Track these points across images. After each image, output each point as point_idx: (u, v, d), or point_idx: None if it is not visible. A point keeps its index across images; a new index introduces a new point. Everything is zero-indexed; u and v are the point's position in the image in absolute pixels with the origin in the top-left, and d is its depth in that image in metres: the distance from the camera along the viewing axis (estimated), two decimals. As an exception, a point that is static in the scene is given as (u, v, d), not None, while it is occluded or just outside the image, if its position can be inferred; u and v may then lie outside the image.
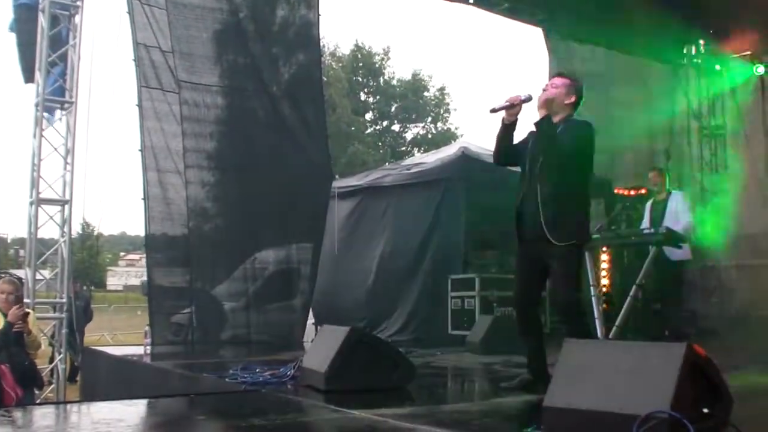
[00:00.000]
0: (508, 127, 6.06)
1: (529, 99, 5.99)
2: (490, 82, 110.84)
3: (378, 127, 49.99)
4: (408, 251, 13.03)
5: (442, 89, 50.65)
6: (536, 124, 5.93)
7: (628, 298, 9.11)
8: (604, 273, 11.33)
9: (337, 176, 16.72)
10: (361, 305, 13.69)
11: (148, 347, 9.68)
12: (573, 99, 6.02)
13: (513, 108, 5.98)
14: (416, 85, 49.54)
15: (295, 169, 11.17)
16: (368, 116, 49.58)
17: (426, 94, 50.05)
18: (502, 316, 11.05)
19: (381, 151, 46.75)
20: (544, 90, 6.05)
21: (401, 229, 13.36)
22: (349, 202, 14.57)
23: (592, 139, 5.84)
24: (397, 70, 55.67)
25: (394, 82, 49.78)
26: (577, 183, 5.78)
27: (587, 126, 5.90)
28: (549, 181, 5.74)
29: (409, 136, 50.46)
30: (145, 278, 11.26)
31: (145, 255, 11.08)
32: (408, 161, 17.48)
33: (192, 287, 10.39)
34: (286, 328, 11.10)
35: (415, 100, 49.07)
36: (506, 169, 12.78)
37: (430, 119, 50.32)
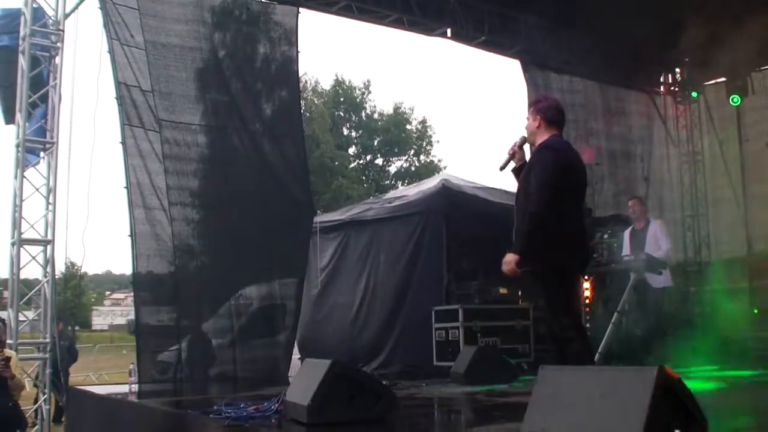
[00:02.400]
0: (520, 171, 6.25)
1: (524, 140, 6.29)
2: (471, 113, 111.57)
3: (361, 162, 50.14)
4: (391, 284, 13.16)
5: (423, 122, 50.92)
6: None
7: (610, 325, 9.19)
8: (586, 301, 11.40)
9: (320, 211, 16.80)
10: (345, 339, 13.76)
11: (134, 386, 9.68)
12: (538, 121, 6.12)
13: (515, 156, 6.31)
14: (398, 118, 49.77)
15: (277, 205, 11.25)
16: (351, 151, 49.74)
17: (408, 127, 50.27)
18: (485, 346, 11.20)
19: (365, 185, 46.84)
20: None
21: (384, 262, 13.48)
22: (333, 236, 14.68)
23: (545, 161, 5.86)
24: (379, 103, 55.97)
25: (376, 115, 50.03)
26: (532, 203, 5.77)
27: (540, 151, 5.99)
28: (518, 211, 5.97)
29: (392, 169, 50.64)
30: (131, 317, 11.27)
31: (130, 293, 11.06)
32: (390, 194, 17.61)
33: (178, 325, 10.40)
34: (271, 363, 11.10)
35: (398, 133, 49.26)
36: (487, 200, 12.97)
37: (412, 152, 50.50)
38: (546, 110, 6.16)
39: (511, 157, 6.31)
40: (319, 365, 5.80)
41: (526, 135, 6.27)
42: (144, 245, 10.30)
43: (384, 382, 6.31)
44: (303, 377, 6.18)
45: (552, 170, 5.77)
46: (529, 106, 6.36)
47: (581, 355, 5.62)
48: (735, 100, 14.79)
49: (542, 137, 6.08)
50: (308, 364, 6.55)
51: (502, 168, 6.36)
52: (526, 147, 6.34)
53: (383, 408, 5.74)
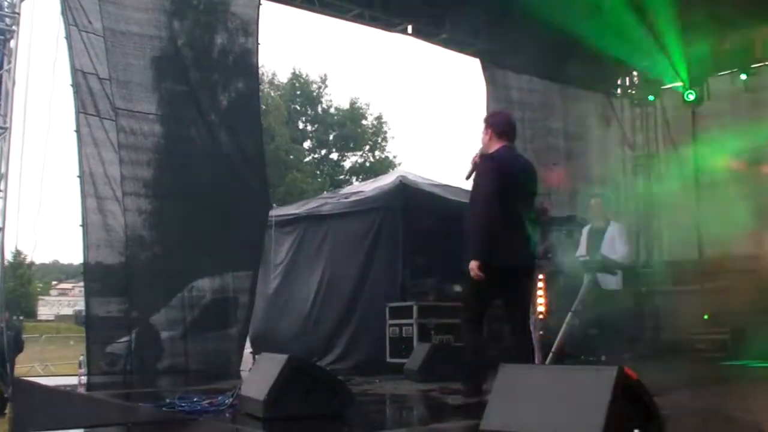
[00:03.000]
0: None
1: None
2: (427, 111, 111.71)
3: (316, 156, 50.06)
4: (346, 279, 13.12)
5: (379, 117, 50.95)
6: None
7: (564, 325, 9.25)
8: (540, 300, 11.44)
9: (275, 204, 16.74)
10: (300, 333, 13.69)
11: (83, 377, 9.55)
12: (489, 133, 6.85)
13: (477, 165, 6.83)
14: (354, 113, 49.74)
15: (233, 198, 11.18)
16: (307, 144, 49.63)
17: (364, 122, 50.27)
18: (439, 343, 11.19)
19: (319, 180, 46.78)
20: None
21: (340, 257, 13.45)
22: (288, 230, 14.63)
23: (483, 169, 6.65)
24: (335, 98, 55.77)
25: (332, 110, 49.95)
26: (475, 210, 6.53)
27: (482, 160, 6.74)
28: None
29: (347, 164, 50.64)
30: (78, 308, 11.12)
31: (78, 283, 10.91)
32: (346, 190, 17.60)
33: (129, 316, 10.29)
34: (223, 356, 11.03)
35: (353, 128, 49.24)
36: (443, 198, 13.03)
37: (368, 147, 50.51)
38: (496, 124, 6.92)
39: (474, 166, 6.80)
40: (276, 360, 5.79)
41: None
42: (95, 235, 10.16)
43: (338, 377, 6.30)
44: (259, 371, 6.16)
45: (487, 177, 6.54)
46: (483, 120, 7.03)
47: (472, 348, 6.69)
48: (689, 96, 14.91)
49: (493, 148, 6.78)
50: (264, 359, 6.54)
51: (468, 177, 6.88)
52: None
53: (340, 403, 5.73)
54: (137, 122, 10.47)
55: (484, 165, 6.65)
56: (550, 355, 9.05)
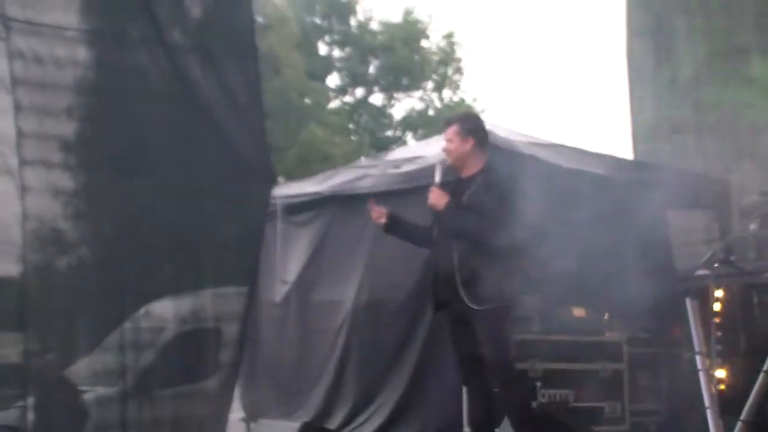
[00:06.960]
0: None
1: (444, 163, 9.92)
2: (525, 29, 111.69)
3: (348, 99, 50.05)
4: (398, 300, 12.96)
5: (449, 37, 50.88)
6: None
7: (761, 375, 9.08)
8: (718, 332, 11.02)
9: (282, 179, 16.52)
10: (322, 384, 13.49)
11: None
12: (471, 142, 9.48)
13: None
14: (409, 30, 49.59)
15: (212, 169, 10.80)
16: (332, 82, 49.62)
17: (425, 44, 50.20)
18: (550, 403, 11.42)
19: (353, 138, 46.83)
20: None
21: (387, 265, 13.28)
22: (304, 219, 14.63)
23: (503, 196, 9.40)
24: (378, 6, 55.87)
25: (374, 25, 49.85)
26: (492, 243, 9.10)
27: (496, 185, 9.49)
28: (463, 245, 9.35)
29: (398, 112, 50.61)
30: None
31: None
32: (397, 154, 17.30)
33: (27, 365, 9.88)
34: (194, 426, 10.73)
35: (408, 54, 49.11)
36: (553, 164, 12.87)
37: (431, 86, 50.48)
38: (479, 131, 9.66)
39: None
40: (283, 429, 5.49)
41: (448, 161, 9.94)
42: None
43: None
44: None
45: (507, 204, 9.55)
46: (451, 123, 9.94)
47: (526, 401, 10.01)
48: None
49: (471, 160, 9.70)
50: (265, 429, 6.25)
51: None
52: None
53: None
54: (46, 43, 9.98)
55: (496, 191, 9.44)
56: (738, 424, 9.00)
